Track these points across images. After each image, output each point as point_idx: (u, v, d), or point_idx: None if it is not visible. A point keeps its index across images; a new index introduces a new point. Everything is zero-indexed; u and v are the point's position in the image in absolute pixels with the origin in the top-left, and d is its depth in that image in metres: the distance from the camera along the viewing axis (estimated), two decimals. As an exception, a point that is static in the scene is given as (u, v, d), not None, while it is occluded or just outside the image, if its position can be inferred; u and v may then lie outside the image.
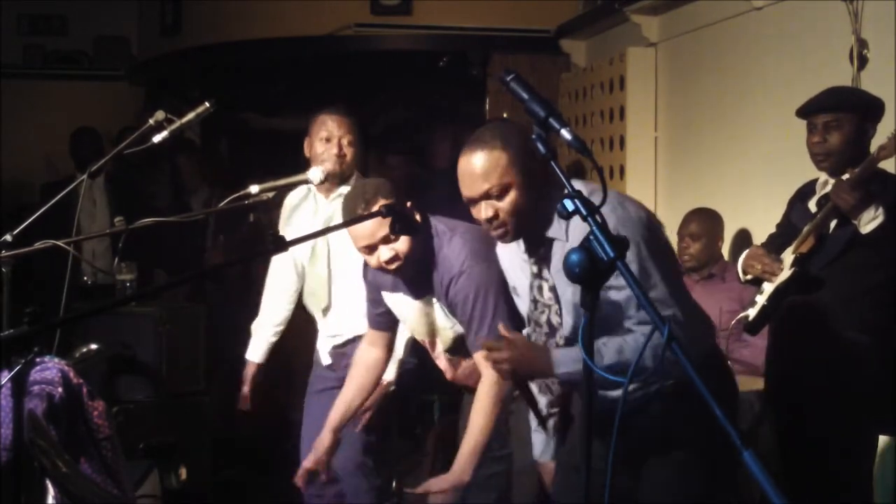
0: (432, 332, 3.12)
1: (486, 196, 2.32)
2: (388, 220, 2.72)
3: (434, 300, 2.99)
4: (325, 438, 3.13)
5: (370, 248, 2.85)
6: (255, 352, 3.79)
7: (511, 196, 2.31)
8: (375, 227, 2.80)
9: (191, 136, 6.48)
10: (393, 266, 2.85)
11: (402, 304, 3.08)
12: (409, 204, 2.89)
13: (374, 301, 3.15)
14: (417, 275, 2.93)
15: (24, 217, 2.71)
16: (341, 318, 3.51)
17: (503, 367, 2.34)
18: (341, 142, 3.43)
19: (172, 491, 3.71)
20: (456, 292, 2.85)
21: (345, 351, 3.49)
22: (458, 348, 3.08)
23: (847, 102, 3.07)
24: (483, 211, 2.33)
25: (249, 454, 5.09)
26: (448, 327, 3.04)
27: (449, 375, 3.20)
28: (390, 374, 3.36)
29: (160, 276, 5.50)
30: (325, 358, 3.60)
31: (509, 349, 2.31)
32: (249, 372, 3.77)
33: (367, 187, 2.89)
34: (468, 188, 2.35)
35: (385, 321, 3.18)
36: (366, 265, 3.04)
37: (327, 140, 3.43)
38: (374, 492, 3.49)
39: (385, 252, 2.83)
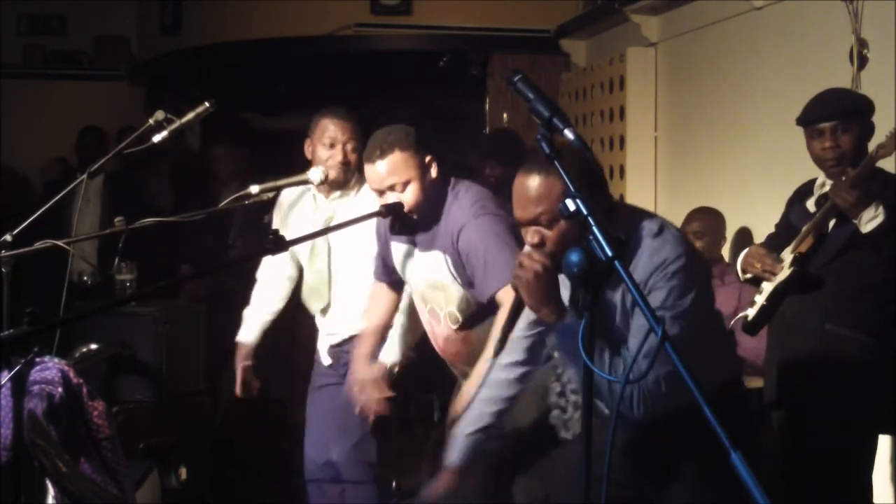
0: (435, 291, 3.10)
1: (536, 222, 2.25)
2: (402, 167, 2.89)
3: (441, 255, 3.02)
4: (362, 371, 3.24)
5: (380, 193, 2.96)
6: (248, 333, 3.69)
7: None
8: (385, 174, 2.91)
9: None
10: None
11: (411, 258, 3.13)
12: (428, 159, 2.97)
13: (383, 259, 3.25)
14: (427, 227, 3.01)
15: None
16: (341, 317, 3.50)
17: (527, 273, 2.19)
18: (346, 147, 3.37)
19: (172, 491, 3.71)
20: (466, 240, 2.92)
21: (344, 349, 3.49)
22: (463, 308, 3.07)
23: (851, 106, 3.06)
24: (530, 236, 2.27)
25: (249, 454, 5.08)
26: (451, 282, 3.03)
27: (439, 346, 3.19)
28: (393, 356, 3.34)
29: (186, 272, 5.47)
30: (324, 357, 3.60)
31: (544, 265, 2.18)
32: (241, 354, 3.66)
33: (390, 136, 2.95)
34: (521, 210, 2.27)
35: (390, 278, 3.26)
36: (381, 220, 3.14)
37: (331, 146, 3.36)
38: (376, 492, 3.50)
39: (391, 198, 2.93)
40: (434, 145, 3.05)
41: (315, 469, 3.55)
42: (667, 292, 2.21)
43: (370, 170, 2.96)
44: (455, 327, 3.11)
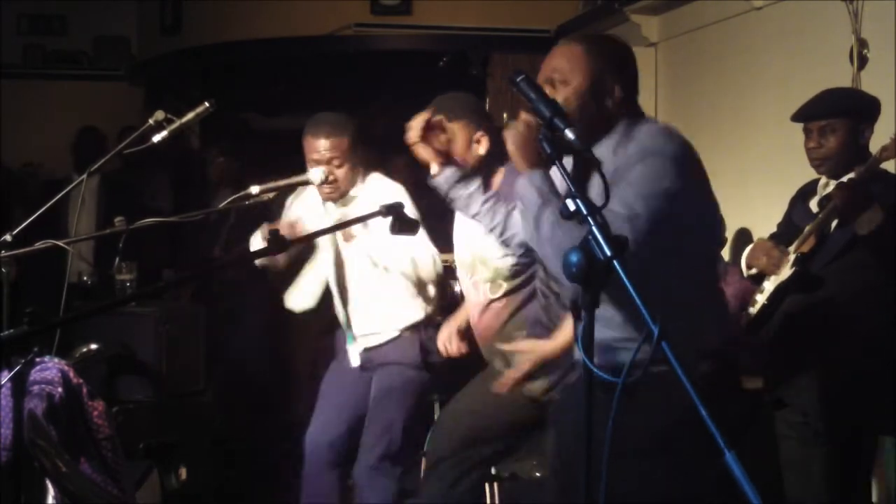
0: (481, 265, 3.04)
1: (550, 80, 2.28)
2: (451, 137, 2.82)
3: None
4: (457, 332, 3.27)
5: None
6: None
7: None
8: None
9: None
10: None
11: (461, 231, 3.11)
12: (479, 135, 2.91)
13: None
14: None
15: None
16: (371, 315, 3.44)
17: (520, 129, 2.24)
18: (331, 165, 3.26)
19: (172, 491, 3.71)
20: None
21: (381, 352, 3.45)
22: (507, 277, 3.01)
23: (841, 107, 3.07)
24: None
25: (249, 454, 5.09)
26: (497, 255, 2.97)
27: (473, 319, 3.12)
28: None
29: (168, 276, 5.46)
30: (354, 359, 3.52)
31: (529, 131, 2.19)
32: None
33: (447, 102, 2.89)
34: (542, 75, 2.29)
35: None
36: None
37: (317, 163, 3.27)
38: (389, 492, 3.48)
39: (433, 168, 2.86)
40: (489, 121, 2.97)
41: (317, 450, 3.51)
42: (638, 174, 2.08)
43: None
44: (495, 296, 3.03)
